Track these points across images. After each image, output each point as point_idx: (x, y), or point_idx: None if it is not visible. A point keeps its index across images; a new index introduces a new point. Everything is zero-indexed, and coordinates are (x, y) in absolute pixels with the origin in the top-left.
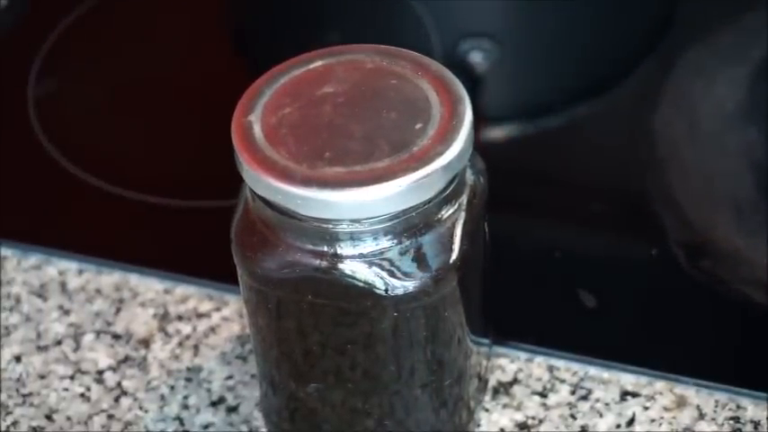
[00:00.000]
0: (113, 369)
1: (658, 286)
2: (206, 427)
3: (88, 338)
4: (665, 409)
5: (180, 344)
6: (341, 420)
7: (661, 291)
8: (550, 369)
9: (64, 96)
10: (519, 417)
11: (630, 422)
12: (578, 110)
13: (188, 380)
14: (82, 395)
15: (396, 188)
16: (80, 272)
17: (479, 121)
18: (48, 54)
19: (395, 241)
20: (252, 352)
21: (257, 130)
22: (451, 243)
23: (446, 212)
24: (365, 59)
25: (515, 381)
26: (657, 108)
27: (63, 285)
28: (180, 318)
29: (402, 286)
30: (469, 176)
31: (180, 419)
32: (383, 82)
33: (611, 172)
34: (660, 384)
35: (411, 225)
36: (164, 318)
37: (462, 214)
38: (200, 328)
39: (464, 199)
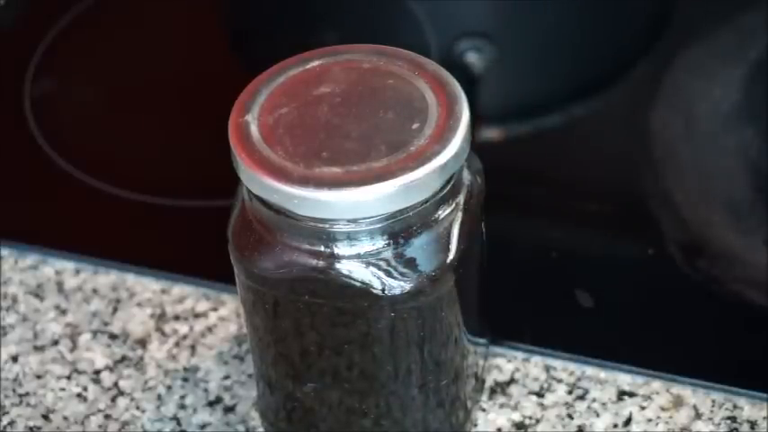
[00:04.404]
0: (110, 369)
1: (655, 286)
2: (203, 426)
3: (85, 338)
4: (662, 408)
5: (177, 344)
6: (338, 420)
7: (658, 290)
8: (547, 369)
9: (61, 95)
10: (516, 416)
11: (627, 422)
12: (575, 110)
13: (185, 380)
14: (79, 395)
15: (393, 188)
16: (77, 272)
17: (476, 120)
18: (45, 53)
19: (392, 241)
20: (249, 352)
21: (254, 129)
22: (448, 243)
23: (443, 212)
24: (362, 59)
25: (512, 380)
26: (654, 108)
27: (60, 285)
28: (177, 318)
29: (399, 286)
30: (466, 176)
31: (177, 419)
32: (380, 82)
33: (608, 172)
34: (657, 384)
35: (408, 225)
36: (160, 318)
37: (459, 214)
38: (197, 327)
39: (461, 199)
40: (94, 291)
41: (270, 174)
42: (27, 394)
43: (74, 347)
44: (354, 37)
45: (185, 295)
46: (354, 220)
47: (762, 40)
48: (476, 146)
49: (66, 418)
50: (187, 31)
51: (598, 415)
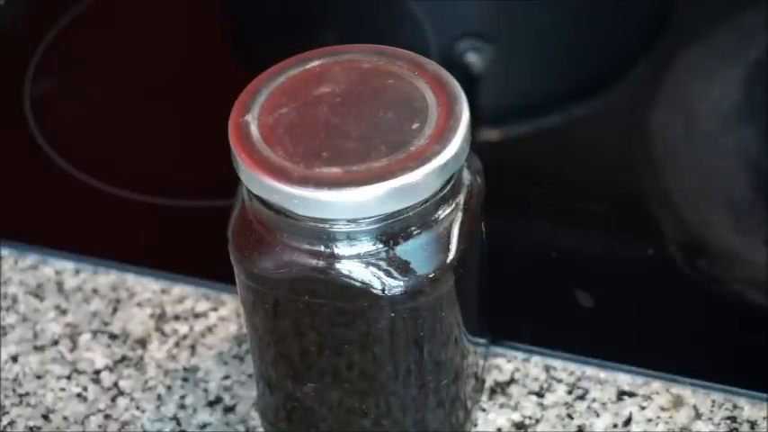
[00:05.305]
0: (110, 369)
1: (655, 286)
2: (203, 426)
3: (85, 338)
4: (662, 408)
5: (177, 344)
6: (338, 420)
7: (658, 290)
8: (547, 369)
9: (61, 95)
10: (516, 417)
11: (627, 422)
12: (575, 110)
13: (185, 380)
14: (79, 395)
15: (392, 188)
16: (77, 272)
17: (476, 120)
18: (45, 53)
19: (392, 241)
20: (249, 352)
21: (254, 129)
22: (448, 243)
23: (443, 212)
24: (362, 59)
25: (512, 380)
26: (654, 108)
27: (60, 285)
28: (177, 318)
29: (399, 286)
30: (466, 176)
31: (177, 419)
32: (380, 82)
33: (607, 172)
34: (657, 384)
35: (408, 225)
36: (160, 318)
37: (459, 214)
38: (197, 327)
39: (461, 199)
40: (94, 291)
41: (270, 174)
42: (27, 394)
43: (74, 347)
44: (354, 37)
45: (185, 295)
46: (354, 221)
47: (762, 40)
48: (476, 146)
49: (66, 418)
50: (187, 31)
51: (598, 415)
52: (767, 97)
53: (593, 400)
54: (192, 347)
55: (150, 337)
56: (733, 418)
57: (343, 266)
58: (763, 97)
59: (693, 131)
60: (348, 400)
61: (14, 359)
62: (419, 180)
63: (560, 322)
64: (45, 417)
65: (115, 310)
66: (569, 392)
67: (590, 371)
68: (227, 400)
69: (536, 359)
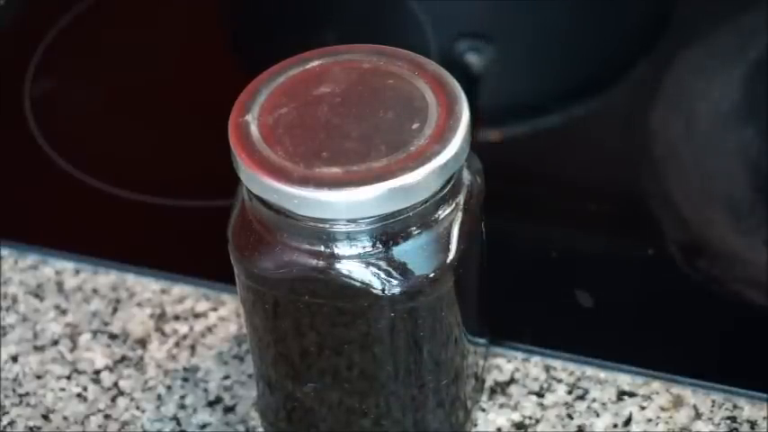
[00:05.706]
0: (110, 369)
1: (655, 286)
2: (203, 427)
3: (85, 338)
4: (662, 408)
5: (177, 344)
6: (338, 420)
7: (658, 290)
8: (547, 369)
9: (61, 95)
10: (516, 417)
11: (627, 422)
12: (575, 110)
13: (185, 380)
14: (79, 395)
15: (392, 188)
16: (77, 272)
17: (476, 121)
18: (45, 53)
19: (392, 241)
20: (249, 352)
21: (254, 129)
22: (448, 243)
23: (443, 212)
24: (362, 59)
25: (512, 380)
26: (655, 108)
27: (60, 285)
28: (177, 318)
29: (399, 286)
30: (466, 176)
31: (177, 419)
32: (380, 82)
33: (607, 172)
34: (657, 384)
35: (408, 225)
36: (160, 318)
37: (459, 214)
38: (197, 327)
39: (461, 199)
40: (94, 291)
41: (270, 174)
42: (27, 394)
43: (74, 347)
44: (354, 37)
45: (185, 295)
46: (354, 220)
47: (762, 40)
48: (476, 146)
49: (66, 418)
50: (187, 31)
51: (598, 415)
52: (767, 97)
53: (593, 400)
54: (192, 347)
55: (150, 337)
56: (733, 418)
57: (343, 266)
58: (764, 97)
59: (693, 131)
60: (348, 400)
61: (14, 359)
62: (419, 180)
63: (560, 322)
64: (45, 417)
65: (115, 310)
66: (569, 392)
67: (590, 371)
68: (227, 400)
69: (536, 359)
